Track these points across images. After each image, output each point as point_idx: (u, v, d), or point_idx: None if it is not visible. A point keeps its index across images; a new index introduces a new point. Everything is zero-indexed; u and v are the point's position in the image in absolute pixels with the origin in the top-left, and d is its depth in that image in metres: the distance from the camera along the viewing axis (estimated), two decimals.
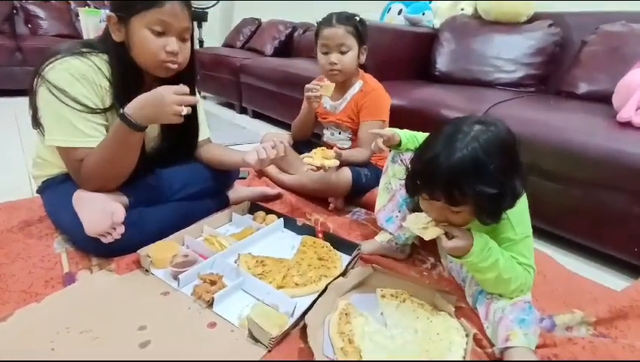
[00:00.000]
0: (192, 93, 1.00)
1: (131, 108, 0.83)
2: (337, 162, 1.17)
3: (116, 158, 0.89)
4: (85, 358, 0.66)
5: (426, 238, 0.77)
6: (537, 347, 0.75)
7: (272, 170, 1.52)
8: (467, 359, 0.71)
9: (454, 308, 0.83)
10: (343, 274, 0.93)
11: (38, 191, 1.04)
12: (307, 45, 2.93)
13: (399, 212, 1.04)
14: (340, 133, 1.46)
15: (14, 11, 3.14)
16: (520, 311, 0.77)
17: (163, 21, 0.86)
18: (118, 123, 0.84)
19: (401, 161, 1.02)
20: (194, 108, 1.05)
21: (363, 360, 0.68)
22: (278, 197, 1.37)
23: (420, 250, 1.09)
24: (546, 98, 1.57)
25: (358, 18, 1.30)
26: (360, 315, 0.80)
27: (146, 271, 0.91)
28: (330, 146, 1.49)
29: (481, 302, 0.84)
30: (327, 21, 1.29)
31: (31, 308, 0.76)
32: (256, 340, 0.73)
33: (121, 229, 0.89)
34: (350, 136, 1.43)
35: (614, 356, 0.75)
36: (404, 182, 0.84)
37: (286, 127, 1.83)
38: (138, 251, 0.91)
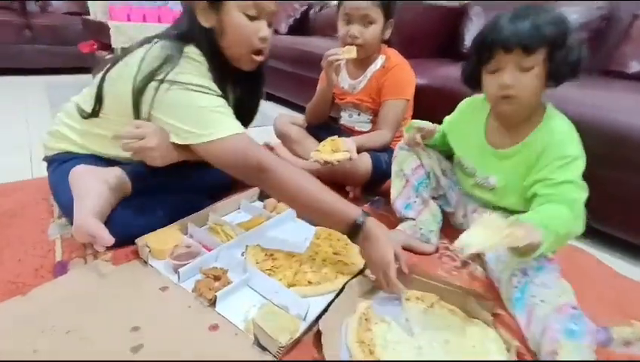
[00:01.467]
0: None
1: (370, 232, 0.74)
2: (348, 155, 1.06)
3: (313, 213, 0.82)
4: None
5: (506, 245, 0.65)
6: None
7: (285, 154, 1.41)
8: None
9: (492, 316, 0.72)
10: (362, 271, 0.83)
11: (45, 159, 0.97)
12: (323, 23, 2.78)
13: (416, 197, 0.99)
14: (359, 115, 1.33)
15: None
16: (567, 319, 0.65)
17: (257, 4, 0.81)
18: (349, 211, 0.77)
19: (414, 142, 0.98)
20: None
21: None
22: None
23: (449, 246, 0.98)
24: (590, 78, 1.40)
25: None
26: (382, 321, 0.70)
27: (145, 262, 0.82)
28: (348, 129, 1.37)
29: (521, 307, 0.73)
30: None
31: (15, 302, 0.69)
32: (262, 347, 0.64)
33: (104, 244, 0.75)
34: (370, 117, 1.31)
35: None
36: (415, 166, 0.97)
37: (300, 109, 1.72)
38: (136, 240, 0.83)
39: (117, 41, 1.87)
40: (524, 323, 0.71)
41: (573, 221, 0.73)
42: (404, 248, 0.93)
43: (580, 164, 0.76)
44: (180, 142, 0.80)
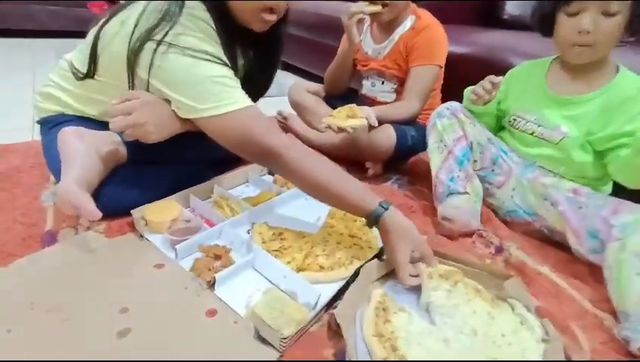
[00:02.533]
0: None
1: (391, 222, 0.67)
2: (365, 122, 0.96)
3: (330, 200, 0.72)
4: (46, 347, 0.51)
5: None
6: None
7: (299, 126, 1.31)
8: None
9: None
10: (379, 256, 0.73)
11: (38, 122, 0.88)
12: None
13: (459, 171, 0.88)
14: (382, 84, 1.20)
15: None
16: None
17: None
18: (372, 199, 0.68)
19: (452, 113, 0.90)
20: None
21: None
22: None
23: (483, 230, 0.87)
24: None
25: None
26: (401, 310, 0.61)
27: (141, 236, 0.75)
28: (369, 100, 1.25)
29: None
30: None
31: None
32: (264, 339, 0.55)
33: (88, 218, 0.68)
34: (395, 86, 1.17)
35: None
36: (458, 137, 0.89)
37: (318, 80, 1.60)
38: (132, 211, 0.75)
39: None
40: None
41: None
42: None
43: None
44: (181, 116, 0.71)
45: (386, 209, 0.66)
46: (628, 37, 0.74)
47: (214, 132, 0.70)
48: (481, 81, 0.88)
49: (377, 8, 1.01)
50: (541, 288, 0.71)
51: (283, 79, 2.20)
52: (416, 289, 0.66)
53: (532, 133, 0.87)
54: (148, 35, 0.68)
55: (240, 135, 0.69)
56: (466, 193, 0.87)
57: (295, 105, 1.33)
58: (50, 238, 0.72)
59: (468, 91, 0.93)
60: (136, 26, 0.69)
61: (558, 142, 0.83)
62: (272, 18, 0.76)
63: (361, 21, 1.07)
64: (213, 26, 0.72)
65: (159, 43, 0.67)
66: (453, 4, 1.55)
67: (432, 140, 0.93)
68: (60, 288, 0.61)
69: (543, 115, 0.85)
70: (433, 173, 0.92)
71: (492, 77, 0.87)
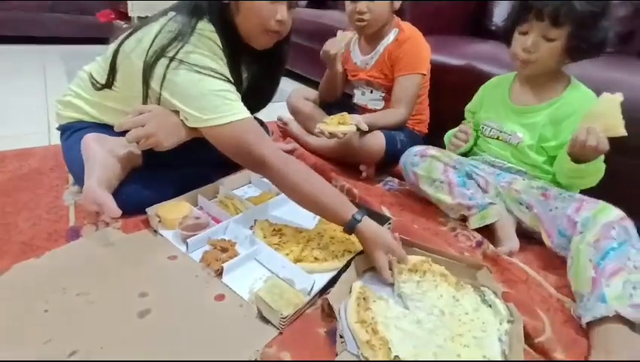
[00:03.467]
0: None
1: (365, 228, 0.74)
2: (354, 128, 1.05)
3: (312, 209, 0.79)
4: (78, 324, 0.60)
5: None
6: None
7: (297, 130, 1.39)
8: (518, 349, 0.60)
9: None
10: None
11: (58, 128, 0.96)
12: None
13: (469, 190, 0.97)
14: (371, 92, 1.29)
15: None
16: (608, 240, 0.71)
17: None
18: (347, 208, 0.75)
19: (421, 156, 1.02)
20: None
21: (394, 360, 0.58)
22: (291, 152, 1.25)
23: (467, 225, 0.96)
24: (627, 60, 1.31)
25: None
26: (379, 298, 0.69)
27: (155, 231, 0.83)
28: (361, 108, 1.34)
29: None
30: None
31: (29, 264, 0.70)
32: (266, 320, 0.64)
33: (109, 215, 0.74)
34: (383, 95, 1.26)
35: None
36: (443, 170, 0.98)
37: (316, 85, 1.68)
38: (147, 209, 0.83)
39: (134, 10, 1.85)
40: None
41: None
42: None
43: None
44: (188, 125, 0.79)
45: (359, 221, 0.73)
46: (569, 61, 0.86)
47: (215, 140, 0.78)
48: (457, 132, 1.03)
49: (346, 39, 1.15)
50: (512, 276, 0.80)
51: (284, 85, 2.29)
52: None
53: (497, 138, 0.99)
54: (162, 52, 0.76)
55: (236, 143, 0.77)
56: (493, 203, 0.93)
57: (294, 111, 1.42)
58: (74, 233, 0.81)
59: (448, 137, 1.07)
60: (152, 43, 0.77)
61: (517, 145, 0.95)
62: (274, 38, 0.85)
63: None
64: (220, 44, 0.80)
65: (171, 59, 0.75)
66: (443, 15, 1.64)
67: (426, 187, 1.00)
68: (86, 276, 0.69)
69: (504, 123, 0.97)
70: (451, 208, 0.97)
71: (462, 127, 1.02)
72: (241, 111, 0.78)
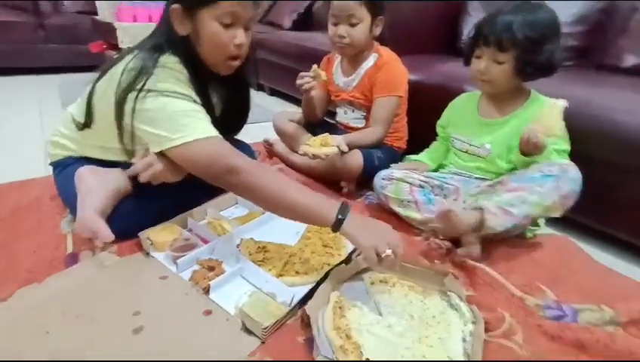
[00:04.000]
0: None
1: (352, 221, 0.75)
2: (336, 150, 1.12)
3: (289, 214, 0.80)
4: (78, 344, 0.66)
5: None
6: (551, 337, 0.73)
7: (282, 150, 1.47)
8: (477, 347, 0.67)
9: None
10: (346, 261, 0.88)
11: (51, 164, 1.03)
12: (327, 18, 2.79)
13: (434, 205, 1.05)
14: (353, 112, 1.38)
15: None
16: None
17: (233, 13, 0.81)
18: (328, 211, 0.75)
19: (388, 179, 1.10)
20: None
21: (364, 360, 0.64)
22: None
23: (439, 235, 1.02)
24: (586, 73, 1.41)
25: None
26: (354, 306, 0.75)
27: (147, 254, 0.90)
28: (343, 126, 1.42)
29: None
30: None
31: (32, 289, 0.77)
32: (250, 331, 0.70)
33: (104, 240, 0.81)
34: (364, 114, 1.35)
35: (635, 355, 0.68)
36: (409, 190, 1.07)
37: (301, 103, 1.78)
38: (139, 234, 0.90)
39: (124, 42, 1.94)
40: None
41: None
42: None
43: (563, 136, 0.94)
44: (156, 150, 0.81)
45: (343, 220, 0.74)
46: (522, 80, 0.96)
47: (185, 158, 0.80)
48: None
49: (323, 78, 1.24)
50: (478, 279, 0.87)
51: (272, 105, 2.39)
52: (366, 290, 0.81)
53: (466, 151, 1.07)
54: (129, 88, 0.80)
55: (207, 158, 0.79)
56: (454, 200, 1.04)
57: (279, 131, 1.49)
58: (73, 259, 0.87)
59: (408, 159, 1.24)
60: (119, 82, 0.82)
61: (486, 157, 1.03)
62: (236, 63, 0.90)
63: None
64: (186, 74, 0.85)
65: (139, 91, 0.79)
66: (417, 36, 1.74)
67: (395, 207, 1.08)
68: (85, 298, 0.76)
69: (473, 136, 1.06)
70: (420, 222, 1.04)
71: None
72: (211, 130, 0.81)
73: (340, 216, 0.74)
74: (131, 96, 0.80)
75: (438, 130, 1.18)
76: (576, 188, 0.88)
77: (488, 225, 0.87)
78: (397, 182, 1.08)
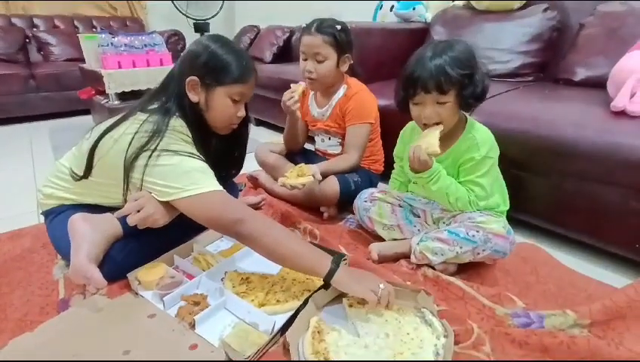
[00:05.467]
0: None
1: (342, 275, 0.84)
2: (311, 178, 1.18)
3: (288, 263, 0.89)
4: None
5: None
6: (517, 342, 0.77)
7: (265, 180, 1.54)
8: (447, 359, 0.72)
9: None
10: (325, 286, 0.93)
11: (42, 213, 1.07)
12: None
13: (415, 226, 1.13)
14: (329, 139, 1.45)
15: (27, 40, 3.29)
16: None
17: (243, 93, 0.98)
18: (322, 261, 0.85)
19: (370, 200, 1.17)
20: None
21: None
22: (261, 204, 1.41)
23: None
24: (542, 87, 1.51)
25: (339, 27, 1.27)
26: (332, 330, 0.80)
27: (136, 293, 0.94)
28: (321, 153, 1.49)
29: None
30: (308, 28, 1.29)
31: (24, 338, 0.80)
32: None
33: (97, 286, 0.88)
34: (340, 140, 1.43)
35: (596, 355, 0.72)
36: (391, 211, 1.13)
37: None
38: (127, 275, 0.94)
39: (110, 88, 2.03)
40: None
41: (461, 199, 0.99)
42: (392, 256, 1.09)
43: (488, 162, 0.98)
44: (163, 200, 0.88)
45: (336, 267, 0.83)
46: (466, 112, 1.01)
47: (196, 208, 0.87)
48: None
49: (298, 91, 1.31)
50: (450, 294, 0.92)
51: (259, 136, 2.47)
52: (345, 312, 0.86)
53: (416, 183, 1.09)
54: (141, 148, 0.88)
55: (218, 208, 0.87)
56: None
57: (261, 163, 1.56)
58: (64, 305, 0.91)
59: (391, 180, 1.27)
60: (130, 143, 0.89)
61: None
62: (234, 127, 1.05)
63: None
64: (189, 134, 0.94)
65: (153, 151, 0.88)
66: (385, 62, 1.84)
67: (380, 231, 1.15)
68: (77, 342, 0.79)
69: None
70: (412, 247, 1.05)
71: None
72: (217, 185, 0.89)
73: (329, 274, 0.83)
74: (144, 154, 0.88)
75: (396, 160, 1.23)
76: (497, 255, 0.94)
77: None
78: (379, 202, 1.14)
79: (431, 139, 0.93)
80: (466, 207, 0.99)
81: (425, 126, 0.99)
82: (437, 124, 0.97)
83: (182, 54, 1.00)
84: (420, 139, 0.95)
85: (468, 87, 0.92)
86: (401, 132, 1.19)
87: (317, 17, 1.32)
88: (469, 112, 1.01)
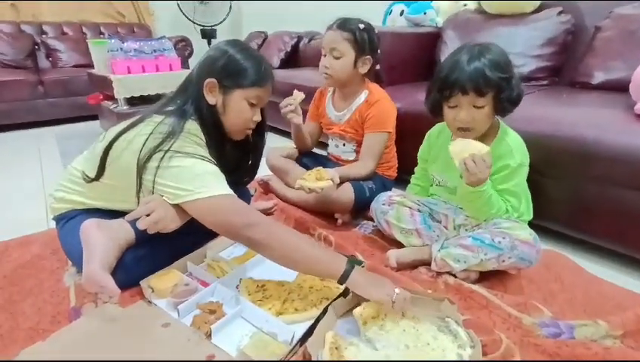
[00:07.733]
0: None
1: (357, 277, 0.82)
2: (330, 183, 1.15)
3: (301, 267, 0.87)
4: None
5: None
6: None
7: (277, 185, 1.51)
8: None
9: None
10: (344, 294, 0.90)
11: (53, 218, 1.05)
12: (313, 54, 2.91)
13: (434, 231, 1.10)
14: (344, 145, 1.43)
15: (36, 47, 3.32)
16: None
17: (260, 97, 0.98)
18: (339, 264, 0.82)
19: (389, 203, 1.14)
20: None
21: None
22: (272, 209, 1.39)
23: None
24: (559, 91, 1.48)
25: (362, 26, 1.24)
26: (350, 344, 0.77)
27: (149, 302, 0.91)
28: (335, 158, 1.47)
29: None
30: (331, 24, 1.28)
31: (36, 348, 0.78)
32: None
33: (110, 295, 0.86)
34: (355, 147, 1.40)
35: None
36: (410, 215, 1.10)
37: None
38: (140, 282, 0.92)
39: (119, 93, 2.03)
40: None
41: (500, 210, 0.95)
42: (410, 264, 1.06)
43: (523, 170, 0.96)
44: (174, 202, 0.87)
45: (351, 269, 0.81)
46: (502, 116, 0.97)
47: (206, 210, 0.85)
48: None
49: (298, 100, 1.32)
50: (474, 303, 0.88)
51: (269, 141, 2.45)
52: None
53: (445, 186, 1.10)
54: (155, 149, 0.87)
55: (228, 211, 0.85)
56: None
57: (272, 168, 1.54)
58: (76, 313, 0.89)
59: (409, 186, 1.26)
60: (144, 143, 0.88)
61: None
62: (249, 132, 1.03)
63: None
64: (204, 139, 0.93)
65: (165, 152, 0.87)
66: (398, 66, 1.83)
67: (397, 235, 1.12)
68: (88, 352, 0.77)
69: (448, 174, 1.08)
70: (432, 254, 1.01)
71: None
72: (228, 188, 0.88)
73: (347, 267, 0.81)
74: (157, 156, 0.87)
75: (420, 161, 1.21)
76: (522, 263, 0.91)
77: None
78: (398, 206, 1.11)
79: (475, 145, 0.88)
80: (501, 218, 0.95)
81: (459, 130, 0.95)
82: (465, 130, 0.94)
83: (200, 59, 0.99)
84: (464, 151, 0.88)
85: (505, 90, 0.89)
86: (428, 133, 1.17)
87: (324, 23, 1.32)
88: (504, 117, 0.98)
